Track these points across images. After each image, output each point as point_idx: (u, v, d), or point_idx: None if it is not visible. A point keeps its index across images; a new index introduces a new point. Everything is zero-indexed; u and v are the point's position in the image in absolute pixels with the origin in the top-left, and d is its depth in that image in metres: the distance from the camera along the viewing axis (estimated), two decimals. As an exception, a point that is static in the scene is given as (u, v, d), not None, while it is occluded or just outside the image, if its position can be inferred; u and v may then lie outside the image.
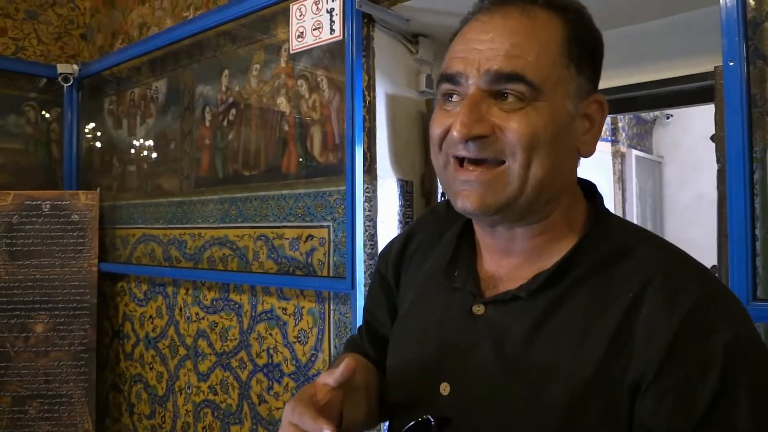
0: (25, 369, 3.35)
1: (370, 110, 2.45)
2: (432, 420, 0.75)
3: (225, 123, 2.98)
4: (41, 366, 3.36)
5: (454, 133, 0.74)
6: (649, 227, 8.29)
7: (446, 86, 0.79)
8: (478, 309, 0.81)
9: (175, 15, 3.35)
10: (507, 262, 0.83)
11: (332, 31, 2.37)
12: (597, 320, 0.72)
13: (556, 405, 0.71)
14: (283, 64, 2.74)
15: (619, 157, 7.37)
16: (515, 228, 0.81)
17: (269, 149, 2.78)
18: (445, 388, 0.80)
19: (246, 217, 2.83)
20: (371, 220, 2.42)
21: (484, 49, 0.74)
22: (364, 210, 2.38)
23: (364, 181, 2.36)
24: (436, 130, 0.79)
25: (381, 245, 2.44)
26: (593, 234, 0.79)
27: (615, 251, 0.76)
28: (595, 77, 0.81)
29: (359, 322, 2.31)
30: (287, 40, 2.68)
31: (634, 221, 7.62)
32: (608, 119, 7.29)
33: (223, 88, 3.01)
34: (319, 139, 2.58)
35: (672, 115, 8.22)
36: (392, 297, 1.04)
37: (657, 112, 7.86)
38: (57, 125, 3.91)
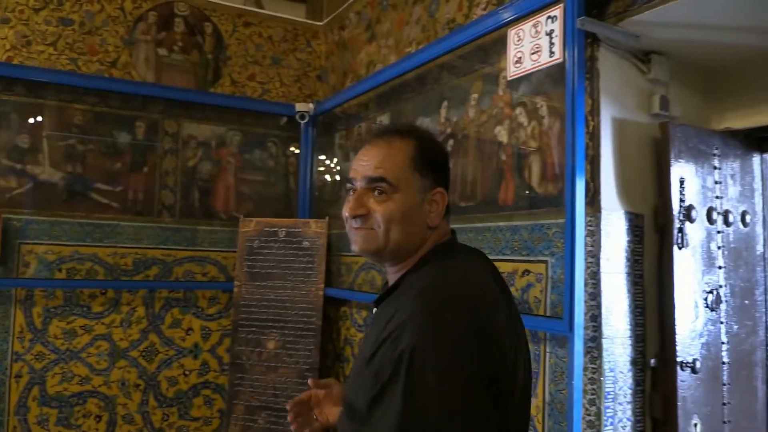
0: (258, 381, 3.65)
1: (594, 136, 2.25)
2: None
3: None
4: (270, 380, 3.63)
5: (345, 213, 1.22)
6: None
7: (348, 185, 1.24)
8: (375, 309, 1.27)
9: (398, 51, 3.47)
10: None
11: (552, 53, 2.24)
12: (387, 325, 1.08)
13: (355, 374, 1.15)
14: (501, 92, 2.66)
15: None
16: (389, 267, 1.27)
17: (486, 180, 2.70)
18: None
19: (460, 248, 2.77)
20: (594, 256, 2.21)
21: (364, 164, 1.21)
22: (586, 245, 2.18)
23: (585, 214, 2.17)
24: (344, 213, 1.24)
25: (605, 284, 2.21)
26: (413, 270, 1.20)
27: (412, 284, 1.15)
28: (439, 177, 1.23)
29: (578, 367, 2.12)
30: (505, 68, 2.61)
31: None
32: None
33: (442, 119, 3.01)
34: (538, 169, 2.44)
35: None
36: None
37: None
38: (294, 159, 4.28)
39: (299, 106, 4.08)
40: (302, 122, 4.10)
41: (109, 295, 3.71)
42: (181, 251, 3.91)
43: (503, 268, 2.57)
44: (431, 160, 1.22)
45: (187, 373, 3.90)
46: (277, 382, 3.63)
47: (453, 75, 2.99)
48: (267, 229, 3.88)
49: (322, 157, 4.22)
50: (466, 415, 0.98)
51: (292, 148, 4.28)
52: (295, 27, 4.39)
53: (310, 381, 1.42)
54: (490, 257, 2.64)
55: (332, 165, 4.13)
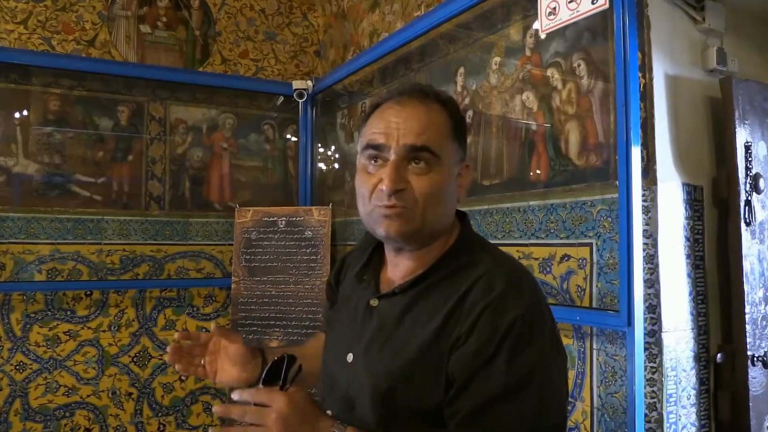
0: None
1: (646, 96, 1.92)
2: (286, 356, 1.03)
3: (460, 127, 2.64)
4: (276, 385, 3.31)
5: (383, 188, 1.02)
6: None
7: (372, 152, 1.06)
8: (374, 302, 1.12)
9: (405, 16, 3.13)
10: (396, 271, 1.13)
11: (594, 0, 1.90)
12: (442, 307, 1.02)
13: (405, 362, 1.01)
14: (528, 53, 2.33)
15: None
16: (407, 251, 1.10)
17: (513, 154, 2.37)
18: (350, 357, 1.11)
19: (486, 233, 2.44)
20: (650, 236, 1.88)
21: (400, 128, 1.04)
22: (642, 223, 1.85)
23: (641, 187, 1.84)
24: (365, 189, 1.07)
25: (663, 268, 1.88)
26: (452, 251, 1.10)
27: (467, 263, 1.07)
28: (465, 148, 1.13)
29: (639, 368, 1.80)
30: (531, 26, 2.28)
31: None
32: None
33: (459, 89, 2.68)
34: (577, 138, 2.11)
35: None
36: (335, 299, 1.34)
37: None
38: (293, 142, 3.94)
39: (296, 84, 3.73)
40: (300, 101, 3.75)
41: (94, 297, 3.39)
42: (172, 246, 3.58)
43: (537, 253, 2.25)
44: (464, 129, 1.13)
45: (183, 378, 3.58)
46: (283, 386, 3.31)
47: (470, 37, 2.65)
48: (265, 219, 3.55)
49: (323, 138, 3.88)
50: (560, 380, 1.02)
51: (290, 131, 3.94)
52: (289, -1, 4.04)
53: (214, 327, 1.27)
54: (521, 241, 2.34)
55: (334, 147, 3.80)
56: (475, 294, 0.99)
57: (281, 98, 3.85)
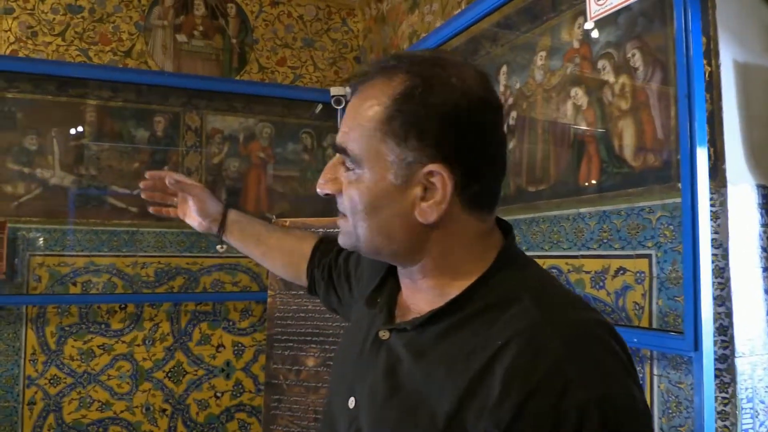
0: (296, 404, 3.17)
1: (713, 87, 1.69)
2: None
3: (505, 129, 2.44)
4: (311, 402, 3.15)
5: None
6: None
7: None
8: (384, 334, 0.85)
9: (445, 15, 2.96)
10: (415, 295, 0.88)
11: (651, -20, 1.68)
12: (466, 361, 0.73)
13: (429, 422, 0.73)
14: (576, 45, 2.12)
15: None
16: (408, 272, 0.87)
17: (561, 156, 2.16)
18: (352, 402, 0.86)
19: (532, 243, 2.23)
20: (719, 246, 1.64)
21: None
22: (710, 231, 1.61)
23: (709, 190, 1.60)
24: None
25: (735, 283, 1.63)
26: (488, 278, 0.80)
27: (501, 298, 0.77)
28: (437, 147, 0.76)
29: (708, 399, 1.55)
30: (581, 13, 2.07)
31: None
32: None
33: (502, 88, 2.48)
34: (632, 136, 1.89)
35: None
36: (348, 276, 1.19)
37: None
38: (332, 152, 3.81)
39: (334, 91, 3.59)
40: (338, 108, 3.62)
41: (129, 310, 3.32)
42: (208, 259, 3.49)
43: (589, 266, 2.02)
44: (427, 115, 0.76)
45: (218, 395, 3.47)
46: (319, 404, 3.15)
47: (512, 32, 2.46)
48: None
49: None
50: None
51: (329, 140, 3.82)
52: (328, 4, 3.92)
53: (168, 179, 1.30)
54: (571, 253, 2.12)
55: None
56: (515, 359, 0.69)
57: (320, 106, 3.73)
